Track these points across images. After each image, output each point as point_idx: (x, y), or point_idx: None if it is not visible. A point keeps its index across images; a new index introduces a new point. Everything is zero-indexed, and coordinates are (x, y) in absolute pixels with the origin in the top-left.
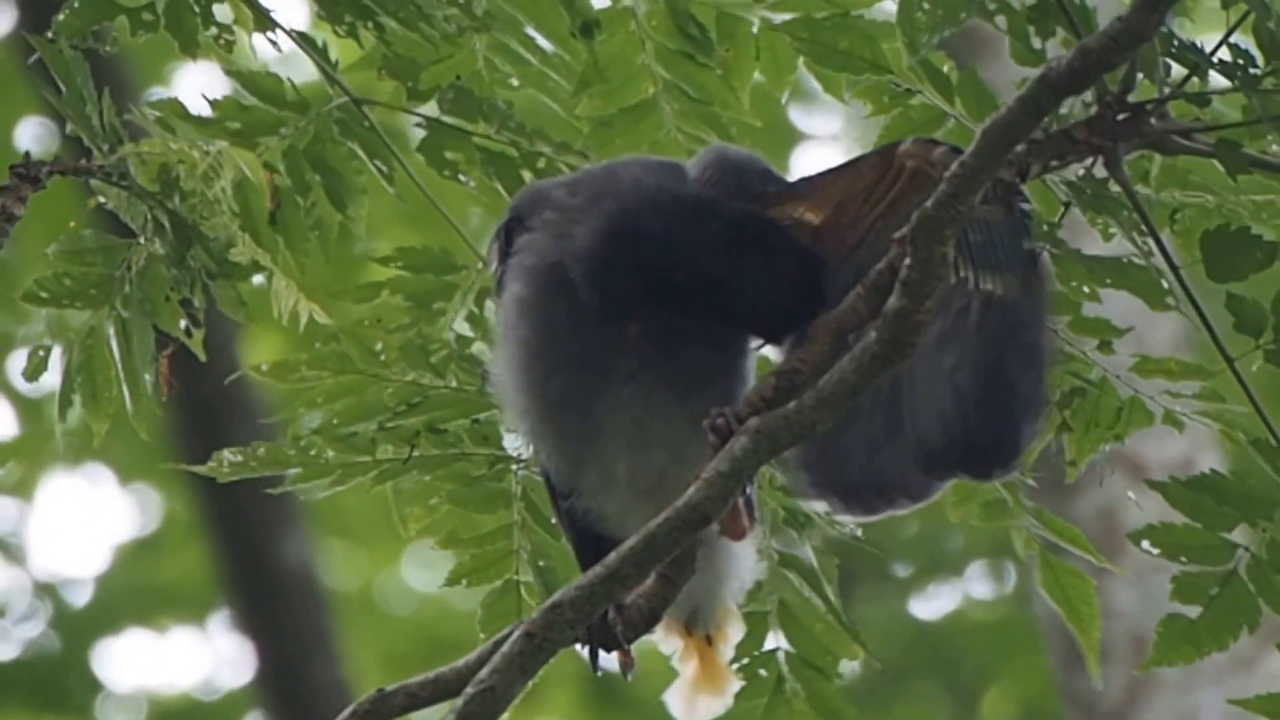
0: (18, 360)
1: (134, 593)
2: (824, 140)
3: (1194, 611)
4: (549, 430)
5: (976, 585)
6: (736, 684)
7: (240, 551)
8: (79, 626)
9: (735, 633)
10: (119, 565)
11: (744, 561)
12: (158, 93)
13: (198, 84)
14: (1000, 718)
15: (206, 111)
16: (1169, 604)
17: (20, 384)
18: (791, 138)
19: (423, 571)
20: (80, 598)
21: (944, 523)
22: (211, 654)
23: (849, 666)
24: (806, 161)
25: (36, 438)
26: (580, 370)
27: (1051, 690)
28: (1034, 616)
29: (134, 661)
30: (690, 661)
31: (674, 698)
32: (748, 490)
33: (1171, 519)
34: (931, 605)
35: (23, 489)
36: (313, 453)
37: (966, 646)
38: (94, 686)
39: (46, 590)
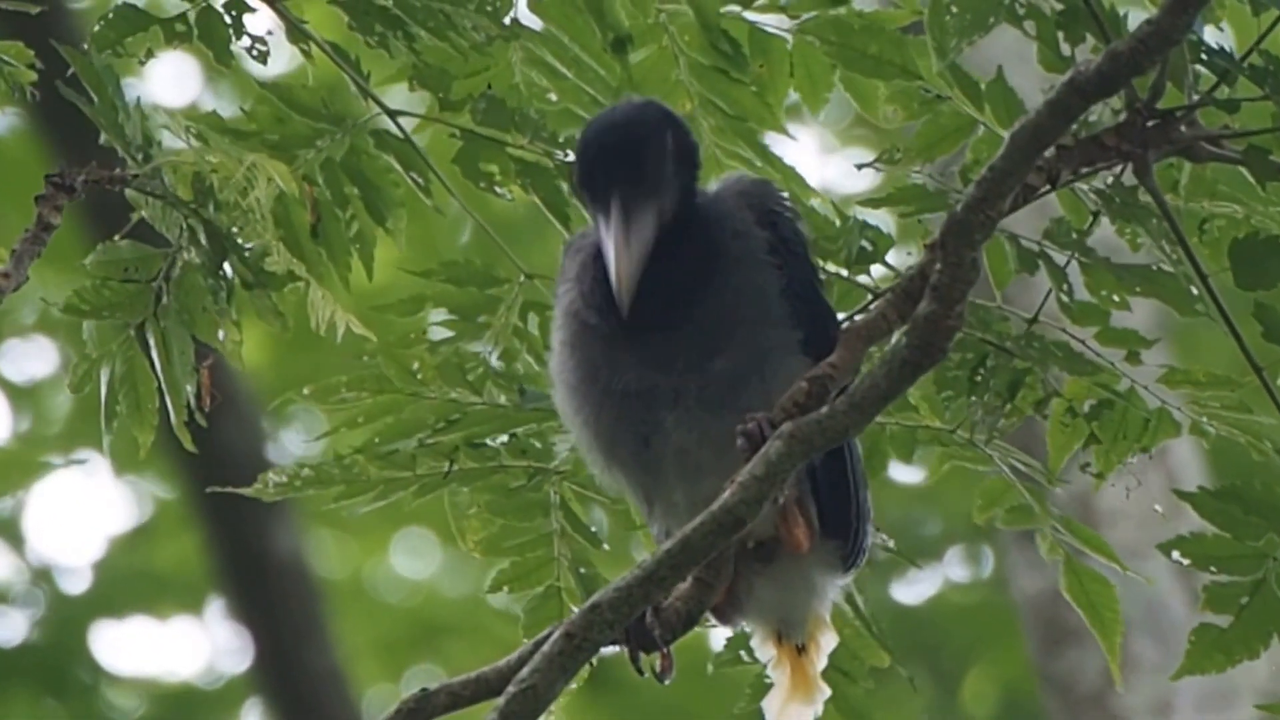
0: (9, 349)
1: (131, 581)
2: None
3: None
4: (613, 465)
5: (956, 570)
6: (826, 692)
7: (233, 542)
8: (77, 614)
9: (828, 642)
10: (115, 554)
11: (834, 573)
12: (130, 84)
13: (169, 74)
14: (981, 700)
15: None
16: (1148, 592)
17: (9, 372)
18: None
19: (411, 559)
20: (77, 586)
21: (923, 507)
22: (209, 642)
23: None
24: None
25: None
26: (623, 403)
27: (1030, 673)
28: (1012, 601)
29: (133, 649)
30: (783, 670)
31: (769, 705)
32: (808, 504)
33: (1147, 504)
34: (912, 590)
35: (19, 479)
36: (355, 470)
37: (947, 630)
38: (95, 673)
39: (44, 577)
